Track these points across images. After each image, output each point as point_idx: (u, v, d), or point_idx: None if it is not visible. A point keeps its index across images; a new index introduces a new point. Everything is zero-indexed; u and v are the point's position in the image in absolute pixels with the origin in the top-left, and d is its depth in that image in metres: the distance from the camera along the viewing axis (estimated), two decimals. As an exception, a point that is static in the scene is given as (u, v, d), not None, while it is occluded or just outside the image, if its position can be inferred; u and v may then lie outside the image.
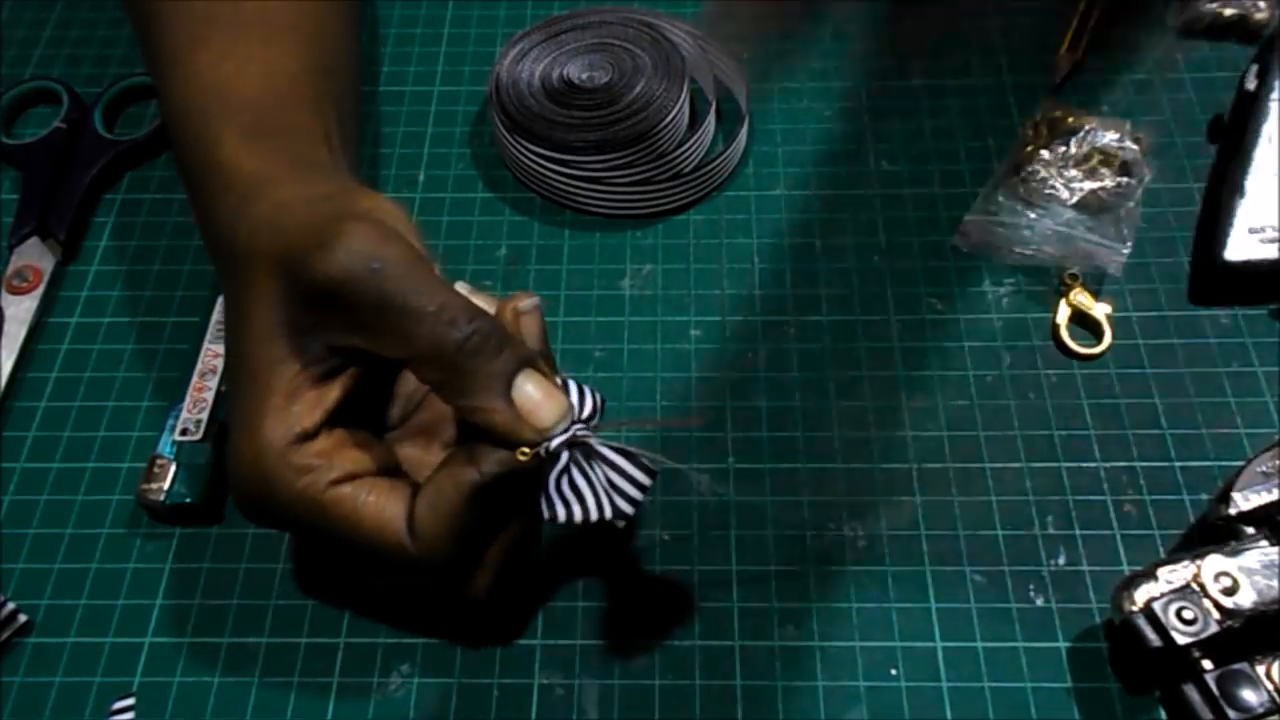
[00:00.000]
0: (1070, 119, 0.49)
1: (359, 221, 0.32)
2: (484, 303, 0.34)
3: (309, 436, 0.33)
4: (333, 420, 0.33)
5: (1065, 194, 0.47)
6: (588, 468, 0.32)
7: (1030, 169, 0.48)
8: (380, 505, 0.33)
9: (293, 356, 0.33)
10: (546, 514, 0.32)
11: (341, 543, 0.33)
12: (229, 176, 0.37)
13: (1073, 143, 0.48)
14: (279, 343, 0.33)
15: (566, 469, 0.32)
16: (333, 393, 0.33)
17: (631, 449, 0.33)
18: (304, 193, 0.35)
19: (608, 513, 0.32)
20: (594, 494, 0.32)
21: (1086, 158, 0.47)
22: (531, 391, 0.32)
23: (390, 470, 0.35)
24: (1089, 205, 0.47)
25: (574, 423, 0.32)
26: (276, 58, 0.41)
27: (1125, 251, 0.46)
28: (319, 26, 0.44)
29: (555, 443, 0.32)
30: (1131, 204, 0.46)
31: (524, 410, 0.32)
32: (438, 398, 0.33)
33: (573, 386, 0.33)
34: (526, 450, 0.32)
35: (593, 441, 0.32)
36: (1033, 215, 0.47)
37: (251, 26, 0.42)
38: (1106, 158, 0.47)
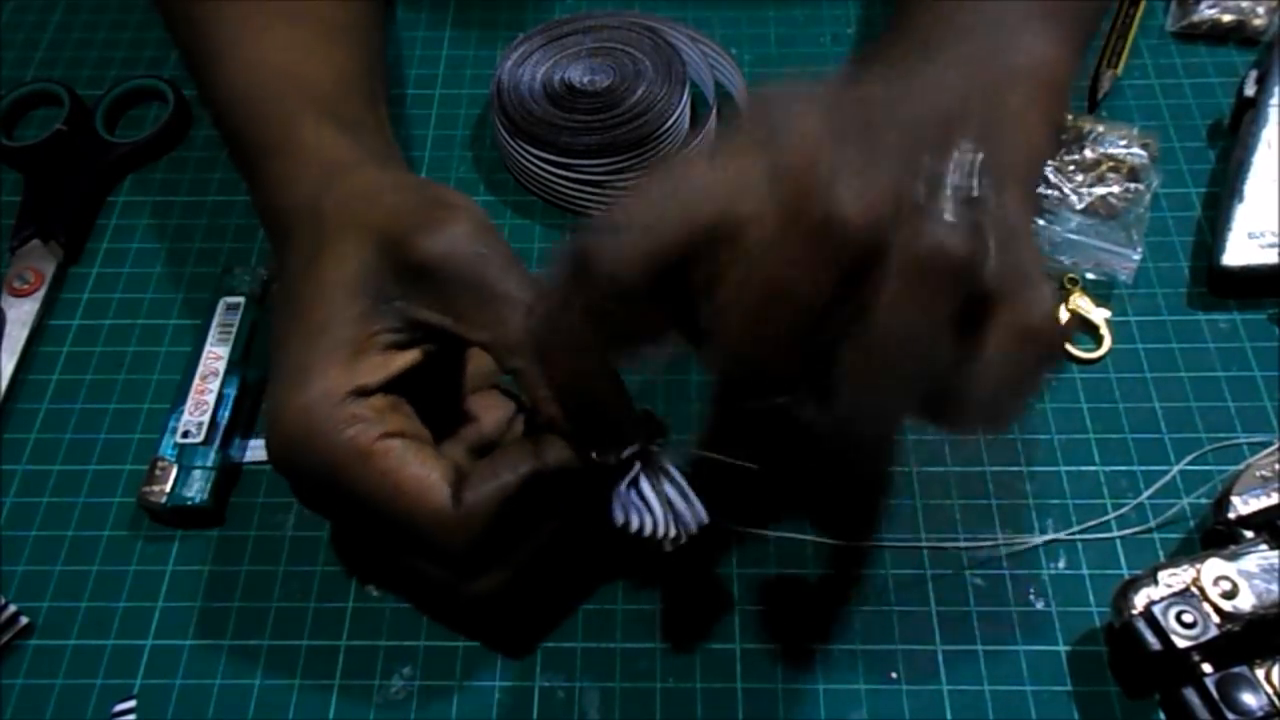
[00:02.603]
0: (1077, 125, 0.49)
1: (464, 209, 0.34)
2: None
3: (367, 393, 0.33)
4: (391, 389, 0.34)
5: (1074, 200, 0.47)
6: (656, 483, 0.32)
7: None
8: (426, 467, 0.33)
9: (370, 317, 0.33)
10: (617, 519, 0.32)
11: (377, 500, 0.33)
12: (310, 154, 0.38)
13: (1085, 149, 0.48)
14: (357, 302, 0.33)
15: (635, 480, 0.32)
16: (400, 361, 0.34)
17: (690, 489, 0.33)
18: (392, 178, 0.36)
19: (671, 530, 0.32)
20: (663, 508, 0.32)
21: (1096, 164, 0.47)
22: None
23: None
24: (1098, 211, 0.47)
25: (646, 438, 0.32)
26: (336, 55, 0.42)
27: (1136, 258, 0.46)
28: (366, 28, 0.46)
29: (627, 452, 0.32)
30: (1141, 209, 0.46)
31: None
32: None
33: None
34: (593, 456, 0.32)
35: (664, 461, 0.32)
36: (1041, 222, 0.47)
37: (308, 24, 0.43)
38: (1116, 164, 0.47)
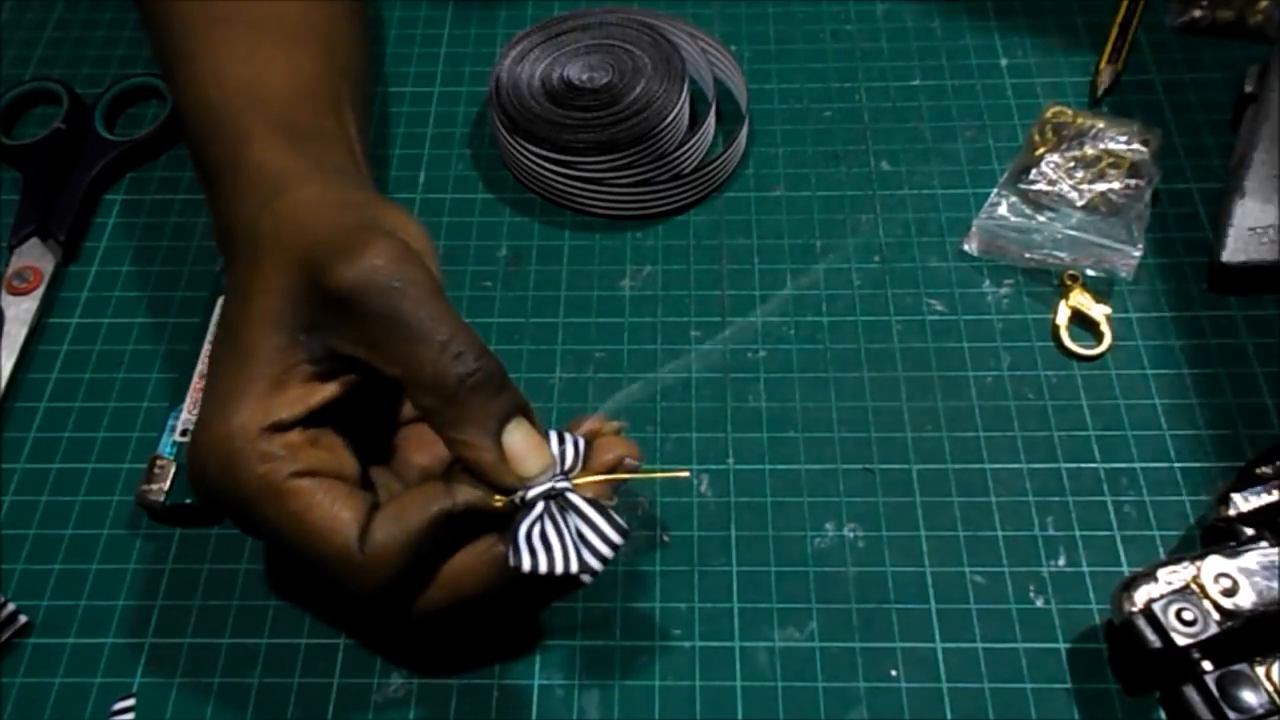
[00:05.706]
0: (1078, 121, 0.49)
1: (386, 237, 0.33)
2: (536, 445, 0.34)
3: (284, 428, 0.33)
4: (312, 422, 0.33)
5: (1074, 196, 0.47)
6: (561, 520, 0.32)
7: (1039, 171, 0.48)
8: (334, 507, 0.32)
9: (290, 348, 0.33)
10: (512, 562, 0.32)
11: (287, 540, 0.33)
12: (256, 171, 0.37)
13: (1086, 145, 0.48)
14: (280, 332, 0.33)
15: (539, 519, 0.32)
16: (320, 394, 0.33)
17: (606, 506, 0.33)
18: (332, 196, 0.35)
19: (573, 566, 0.32)
20: (563, 547, 0.32)
21: (1096, 160, 0.47)
22: (521, 439, 0.32)
23: (357, 484, 0.34)
24: (1098, 208, 0.47)
25: (555, 475, 0.33)
26: (298, 60, 0.42)
27: (1136, 254, 0.46)
28: (334, 31, 0.44)
29: (532, 493, 0.32)
30: (1141, 205, 0.46)
31: (510, 456, 0.32)
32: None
33: (553, 437, 0.33)
34: (502, 497, 0.32)
35: (570, 495, 0.33)
36: (1042, 219, 0.47)
37: (271, 29, 0.42)
38: (1117, 160, 0.47)
